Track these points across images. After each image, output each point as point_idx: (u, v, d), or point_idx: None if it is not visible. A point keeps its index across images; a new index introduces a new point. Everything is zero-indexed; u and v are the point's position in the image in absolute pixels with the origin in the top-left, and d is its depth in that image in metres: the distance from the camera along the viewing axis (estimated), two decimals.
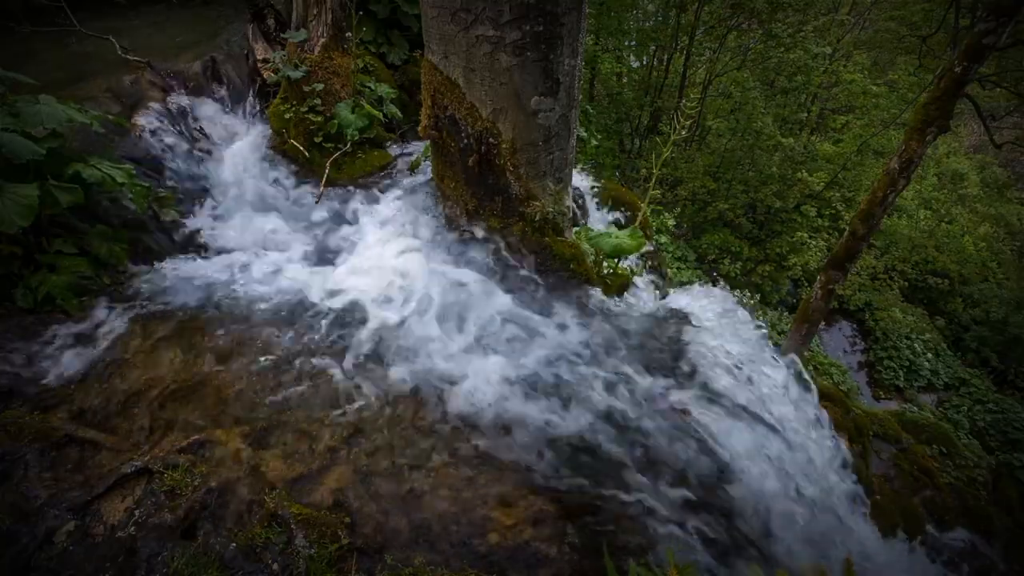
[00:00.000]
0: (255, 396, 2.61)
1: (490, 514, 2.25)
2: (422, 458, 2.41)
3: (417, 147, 4.38)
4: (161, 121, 3.87)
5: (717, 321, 3.17)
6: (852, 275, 11.92)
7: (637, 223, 3.63)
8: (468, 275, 3.29)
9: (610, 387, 2.71)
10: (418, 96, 3.85)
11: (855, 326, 12.82)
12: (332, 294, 3.18)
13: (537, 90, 2.81)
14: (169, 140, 3.86)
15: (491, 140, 2.99)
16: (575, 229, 3.64)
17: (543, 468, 2.42)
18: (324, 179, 3.97)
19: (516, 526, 2.22)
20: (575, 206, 3.92)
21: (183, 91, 4.16)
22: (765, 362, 3.07)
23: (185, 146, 3.95)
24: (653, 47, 13.51)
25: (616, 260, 3.56)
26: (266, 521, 2.09)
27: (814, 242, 12.23)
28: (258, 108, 4.45)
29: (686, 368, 2.84)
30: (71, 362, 2.75)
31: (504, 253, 3.33)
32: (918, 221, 12.33)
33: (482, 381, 2.71)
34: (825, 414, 3.03)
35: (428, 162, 3.74)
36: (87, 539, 2.05)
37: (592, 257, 3.47)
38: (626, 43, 13.69)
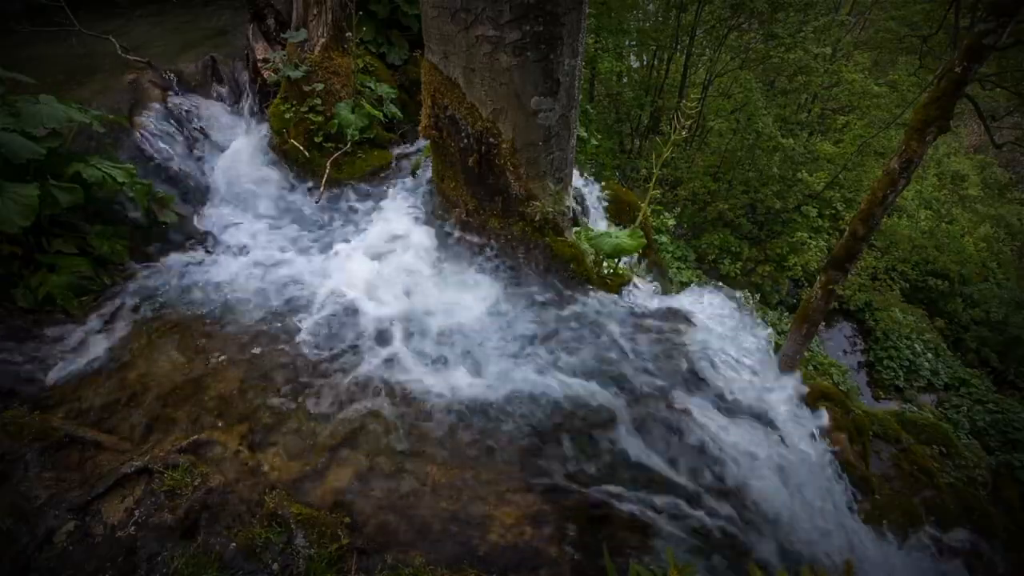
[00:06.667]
0: (255, 396, 2.61)
1: (490, 513, 2.25)
2: (422, 457, 2.41)
3: (417, 147, 4.38)
4: (161, 121, 3.87)
5: (716, 321, 3.17)
6: (852, 275, 11.91)
7: (637, 223, 3.63)
8: (468, 273, 3.29)
9: (609, 386, 2.71)
10: (418, 96, 3.85)
11: (855, 326, 12.81)
12: (331, 292, 3.18)
13: (537, 90, 2.81)
14: (169, 140, 3.86)
15: (491, 140, 2.99)
16: (575, 229, 3.64)
17: (543, 468, 2.42)
18: (324, 179, 3.97)
19: (516, 526, 2.22)
20: (575, 206, 3.91)
21: (183, 91, 4.16)
22: (763, 362, 3.07)
23: (185, 146, 3.95)
24: (653, 47, 13.50)
25: (616, 260, 3.56)
26: (266, 521, 2.09)
27: (814, 242, 12.21)
28: (258, 108, 4.45)
29: (685, 367, 2.84)
30: (71, 362, 2.75)
31: (504, 253, 3.33)
32: (918, 221, 12.30)
33: (480, 379, 2.71)
34: (822, 414, 3.04)
35: (428, 162, 3.74)
36: (87, 539, 2.05)
37: (592, 257, 3.47)
38: (626, 43, 13.69)
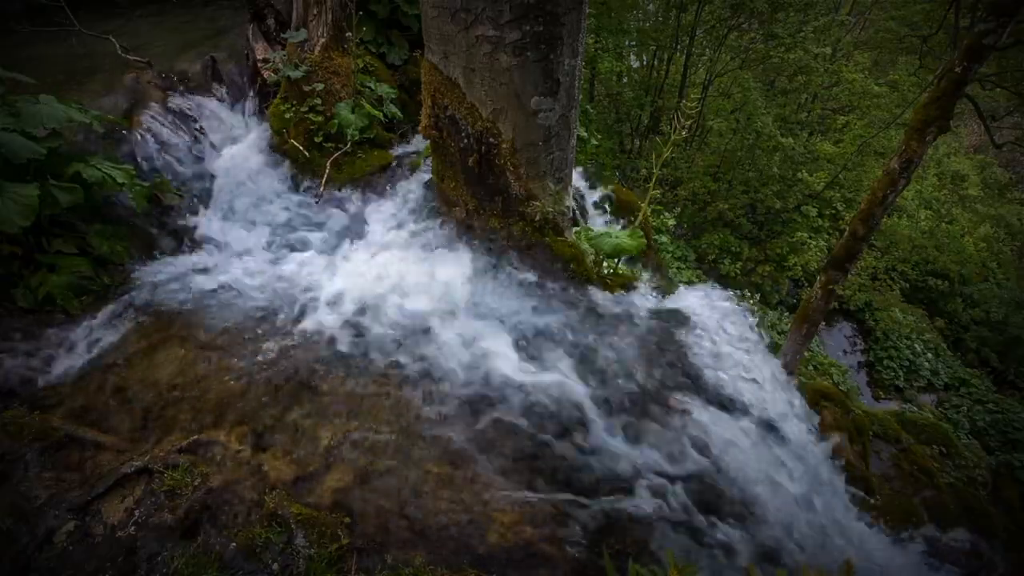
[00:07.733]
0: (255, 396, 2.60)
1: (490, 513, 2.25)
2: (422, 457, 2.41)
3: (417, 147, 4.38)
4: (161, 121, 3.87)
5: (716, 321, 3.17)
6: (852, 275, 11.91)
7: (637, 223, 3.63)
8: (467, 274, 3.29)
9: (609, 386, 2.71)
10: (418, 96, 3.85)
11: (855, 326, 12.81)
12: (331, 292, 3.18)
13: (537, 90, 2.81)
14: (169, 140, 3.86)
15: (491, 140, 2.99)
16: (575, 229, 3.64)
17: (542, 467, 2.42)
18: (324, 179, 3.97)
19: (516, 525, 2.22)
20: (575, 206, 3.91)
21: (183, 91, 4.16)
22: (763, 362, 3.07)
23: (185, 146, 3.95)
24: (653, 47, 13.50)
25: (616, 260, 3.56)
26: (266, 521, 2.09)
27: (814, 242, 12.21)
28: (258, 108, 4.45)
29: (686, 367, 2.84)
30: (71, 362, 2.75)
31: (503, 253, 3.33)
32: (918, 221, 12.29)
33: (480, 378, 2.71)
34: (822, 414, 3.04)
35: (428, 162, 3.74)
36: (87, 539, 2.06)
37: (592, 257, 3.47)
38: (626, 43, 13.68)
